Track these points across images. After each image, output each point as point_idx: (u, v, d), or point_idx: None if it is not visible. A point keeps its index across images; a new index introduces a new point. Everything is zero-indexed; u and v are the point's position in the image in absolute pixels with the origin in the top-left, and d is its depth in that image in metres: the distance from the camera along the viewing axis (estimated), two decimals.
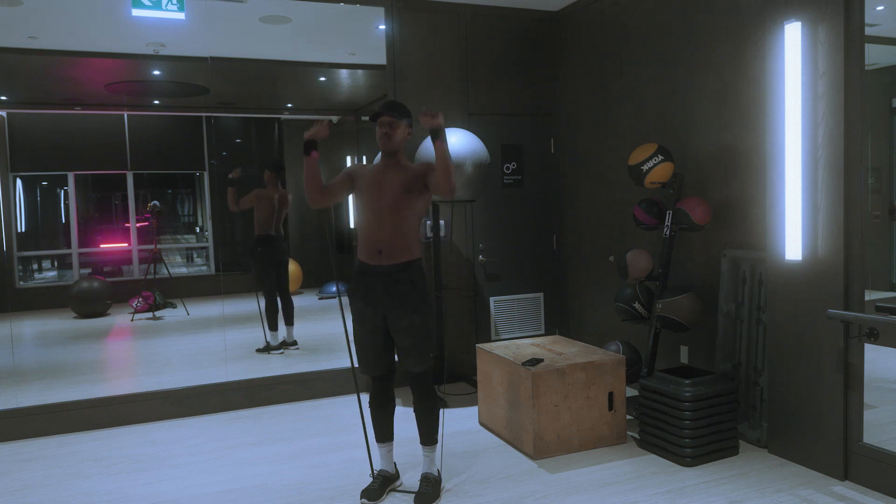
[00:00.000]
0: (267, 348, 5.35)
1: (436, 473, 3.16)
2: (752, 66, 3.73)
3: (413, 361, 3.02)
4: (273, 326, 5.36)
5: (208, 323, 5.61)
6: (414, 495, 3.09)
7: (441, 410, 3.18)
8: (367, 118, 3.06)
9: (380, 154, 3.10)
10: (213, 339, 5.11)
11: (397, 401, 4.69)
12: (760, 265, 3.71)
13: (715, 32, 3.96)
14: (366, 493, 3.11)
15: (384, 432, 3.21)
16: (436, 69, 5.05)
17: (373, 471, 3.25)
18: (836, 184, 3.13)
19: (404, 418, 4.31)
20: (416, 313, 2.98)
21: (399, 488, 3.25)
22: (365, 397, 4.43)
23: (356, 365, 3.18)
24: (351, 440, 3.90)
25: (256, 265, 5.55)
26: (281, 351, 5.39)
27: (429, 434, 3.13)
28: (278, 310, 5.39)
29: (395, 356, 3.13)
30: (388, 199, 2.96)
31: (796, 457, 3.40)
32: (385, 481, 3.19)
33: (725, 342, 3.91)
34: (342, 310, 3.36)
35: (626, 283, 4.29)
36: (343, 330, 3.35)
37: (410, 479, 3.36)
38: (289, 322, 5.53)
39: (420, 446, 3.20)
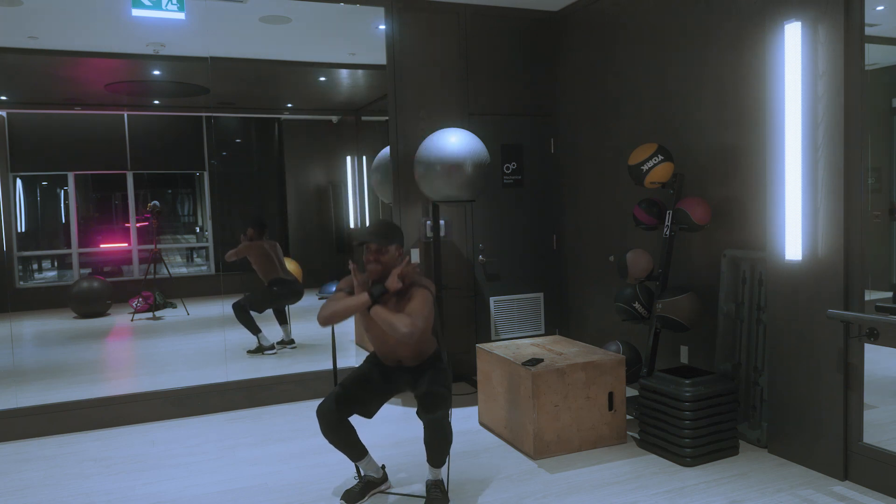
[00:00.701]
0: (259, 349, 5.35)
1: (442, 478, 3.13)
2: (752, 66, 3.73)
3: (425, 381, 3.00)
4: (256, 331, 5.35)
5: (208, 323, 5.62)
6: (423, 501, 3.07)
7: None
8: (355, 244, 3.07)
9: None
10: (213, 339, 5.11)
11: (397, 400, 4.69)
12: (760, 265, 3.71)
13: (715, 32, 3.96)
14: (346, 496, 3.09)
15: (355, 452, 3.10)
16: (436, 69, 5.05)
17: (358, 473, 3.22)
18: (836, 184, 3.14)
19: (404, 418, 4.31)
20: (434, 367, 3.12)
21: (387, 490, 3.23)
22: None
23: (338, 370, 3.23)
24: None
25: (265, 297, 5.55)
26: (274, 351, 5.39)
27: (438, 460, 3.04)
28: (251, 318, 5.35)
29: (373, 402, 3.11)
30: (393, 338, 3.01)
31: (796, 457, 3.40)
32: (368, 484, 3.16)
33: (725, 342, 3.91)
34: (333, 333, 3.38)
35: (626, 283, 4.29)
36: (333, 338, 3.36)
37: (410, 479, 3.36)
38: (283, 321, 5.53)
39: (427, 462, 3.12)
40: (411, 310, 2.87)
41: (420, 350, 3.12)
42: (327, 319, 2.91)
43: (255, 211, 5.88)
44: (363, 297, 2.87)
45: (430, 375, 3.04)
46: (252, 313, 5.33)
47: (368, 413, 3.10)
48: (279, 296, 5.55)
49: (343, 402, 2.98)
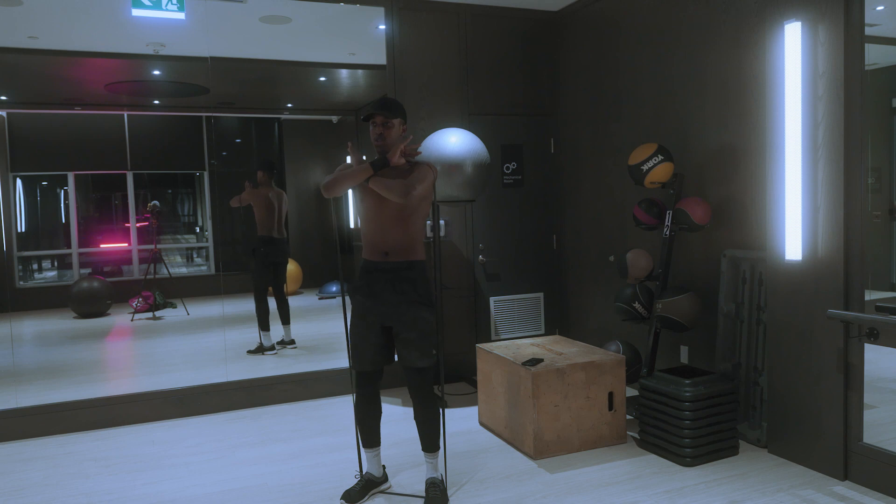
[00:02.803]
0: (260, 349, 5.35)
1: (440, 478, 3.14)
2: (752, 65, 3.73)
3: (415, 356, 2.96)
4: (265, 326, 5.35)
5: (208, 323, 5.61)
6: (423, 501, 3.08)
7: (441, 411, 3.14)
8: (362, 118, 3.04)
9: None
10: (213, 339, 5.11)
11: (397, 400, 4.69)
12: (760, 265, 3.71)
13: (715, 32, 3.96)
14: (346, 495, 3.09)
15: (371, 437, 3.16)
16: (436, 69, 5.05)
17: (360, 472, 3.23)
18: (836, 183, 3.14)
19: (404, 418, 4.31)
20: (419, 307, 2.99)
21: (387, 491, 3.23)
22: None
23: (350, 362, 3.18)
24: (351, 440, 3.90)
25: (256, 265, 5.56)
26: (275, 352, 5.38)
27: (431, 441, 3.08)
28: (269, 310, 5.37)
29: (388, 356, 3.08)
30: (391, 206, 2.95)
31: (796, 457, 3.40)
32: (368, 484, 3.17)
33: (725, 342, 3.91)
34: (345, 309, 3.35)
35: (626, 283, 4.29)
36: (344, 330, 3.34)
37: (410, 479, 3.36)
38: (285, 321, 5.53)
39: (422, 450, 3.15)
40: (411, 179, 2.89)
41: (408, 240, 3.00)
42: (329, 186, 2.91)
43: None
44: (364, 166, 2.90)
45: (418, 340, 2.96)
46: (269, 308, 5.34)
47: (388, 361, 3.11)
48: (264, 256, 5.53)
49: (369, 383, 3.09)
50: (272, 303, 5.52)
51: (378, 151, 3.02)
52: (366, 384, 3.10)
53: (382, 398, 4.75)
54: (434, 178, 2.99)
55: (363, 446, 3.18)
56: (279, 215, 5.55)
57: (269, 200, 5.51)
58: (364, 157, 3.06)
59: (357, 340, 3.07)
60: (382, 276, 3.00)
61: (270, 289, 5.54)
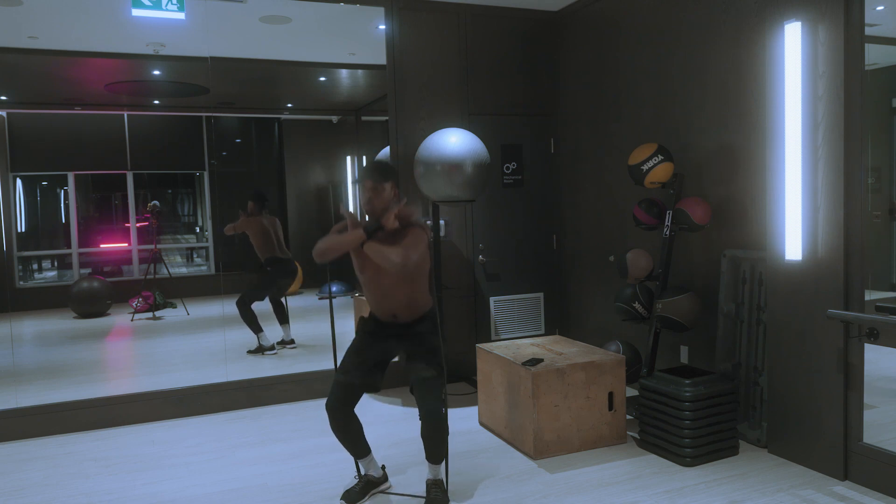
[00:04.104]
0: (260, 349, 5.35)
1: (441, 478, 3.13)
2: (752, 66, 3.73)
3: (421, 365, 2.98)
4: (257, 330, 5.35)
5: (208, 323, 5.62)
6: (423, 501, 3.07)
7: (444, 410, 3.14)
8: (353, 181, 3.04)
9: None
10: (213, 339, 5.11)
11: (397, 401, 4.69)
12: (760, 265, 3.71)
13: (715, 32, 3.96)
14: (346, 495, 3.10)
15: (358, 449, 3.11)
16: (436, 69, 5.05)
17: (358, 473, 3.23)
18: (836, 184, 3.14)
19: (404, 418, 4.31)
20: (428, 333, 3.07)
21: (387, 491, 3.23)
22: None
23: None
24: None
25: (263, 280, 5.56)
26: (274, 351, 5.39)
27: (436, 455, 3.04)
28: (255, 314, 5.36)
29: (372, 381, 3.06)
30: (389, 275, 2.95)
31: (796, 457, 3.40)
32: (368, 484, 3.17)
33: (725, 342, 3.91)
34: (332, 311, 3.35)
35: (626, 283, 4.29)
36: (331, 333, 3.34)
37: (410, 478, 3.36)
38: (284, 321, 5.53)
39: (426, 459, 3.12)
40: (405, 244, 2.86)
41: (414, 301, 3.04)
42: (322, 253, 2.90)
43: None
44: (358, 232, 2.88)
45: (425, 354, 3.01)
46: (254, 313, 5.34)
47: (375, 388, 3.09)
48: (273, 276, 5.56)
49: (348, 391, 2.99)
50: (266, 304, 5.52)
51: (368, 215, 3.00)
52: (340, 394, 2.98)
53: (382, 397, 4.75)
54: (429, 239, 2.97)
55: (355, 458, 3.17)
56: (277, 239, 5.59)
57: (264, 227, 5.54)
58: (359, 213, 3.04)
59: (351, 351, 3.10)
60: (393, 332, 3.08)
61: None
